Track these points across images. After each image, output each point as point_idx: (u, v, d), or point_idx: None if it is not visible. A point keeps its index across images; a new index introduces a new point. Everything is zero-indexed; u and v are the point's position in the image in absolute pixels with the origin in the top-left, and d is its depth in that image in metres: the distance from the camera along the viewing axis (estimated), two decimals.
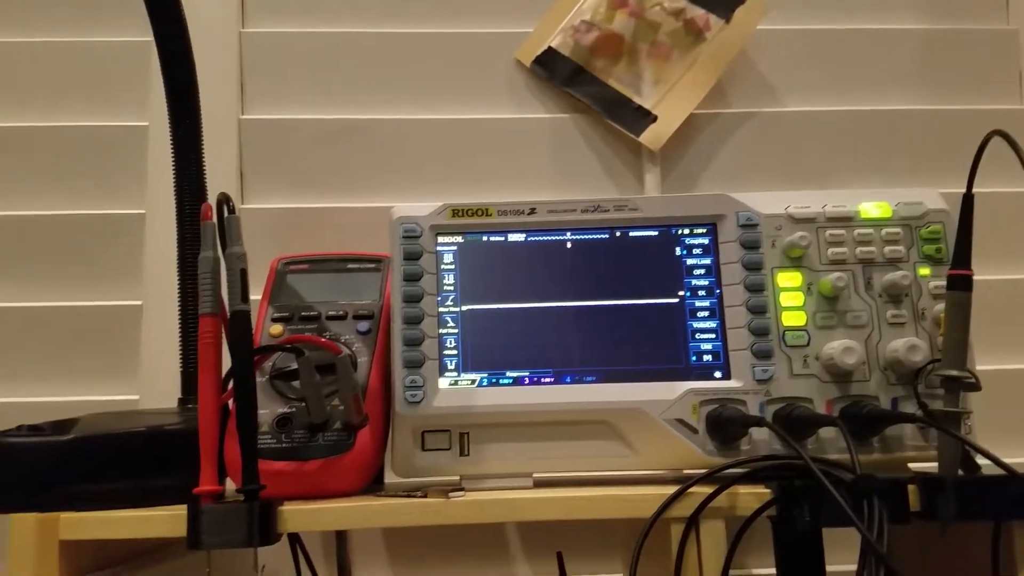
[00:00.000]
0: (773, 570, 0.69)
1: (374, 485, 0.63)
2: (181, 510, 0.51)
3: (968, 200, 0.53)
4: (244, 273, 0.52)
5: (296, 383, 0.59)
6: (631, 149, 0.95)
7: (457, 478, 0.61)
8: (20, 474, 0.54)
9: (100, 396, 0.87)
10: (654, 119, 0.93)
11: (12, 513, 0.52)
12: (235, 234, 0.53)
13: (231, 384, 0.55)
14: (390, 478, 0.66)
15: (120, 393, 0.88)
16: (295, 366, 0.59)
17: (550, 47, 0.96)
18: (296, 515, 0.52)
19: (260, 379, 0.60)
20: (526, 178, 0.94)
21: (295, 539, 0.74)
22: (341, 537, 0.80)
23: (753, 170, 0.95)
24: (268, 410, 0.59)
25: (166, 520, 0.52)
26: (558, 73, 0.95)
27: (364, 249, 0.72)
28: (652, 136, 0.93)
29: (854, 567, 0.74)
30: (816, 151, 0.96)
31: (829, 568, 0.66)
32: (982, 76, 1.00)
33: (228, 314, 0.53)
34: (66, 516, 0.52)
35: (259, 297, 0.67)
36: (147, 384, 0.87)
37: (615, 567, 0.87)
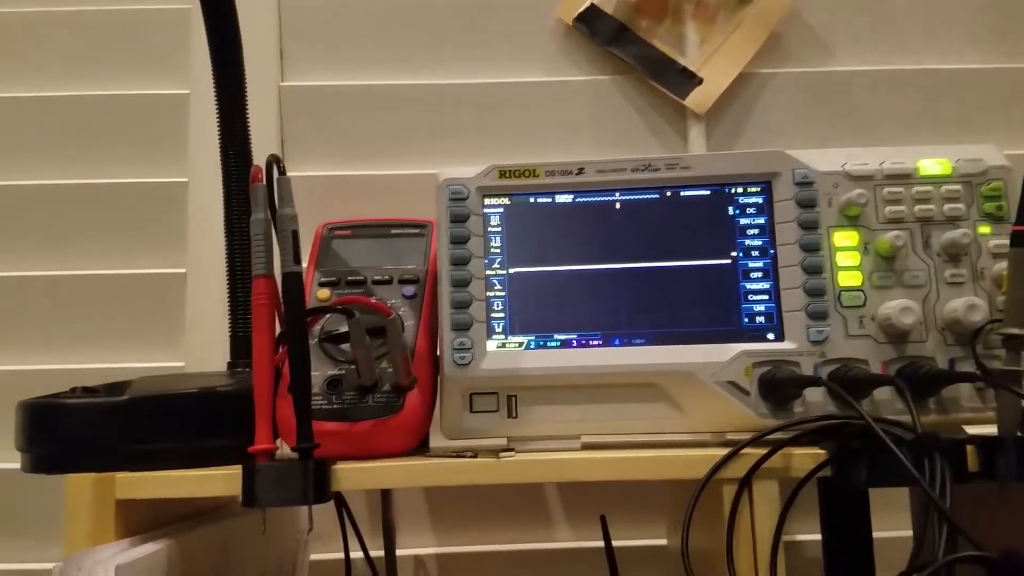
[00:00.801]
0: (818, 536, 0.69)
1: (420, 449, 0.64)
2: (236, 469, 0.51)
3: None
4: (296, 235, 0.52)
5: (345, 346, 0.60)
6: (676, 111, 0.93)
7: (504, 440, 0.61)
8: (76, 435, 0.55)
9: (146, 363, 0.88)
10: (699, 81, 0.92)
11: (69, 473, 0.53)
12: (286, 196, 0.52)
13: (281, 347, 0.56)
14: (437, 441, 0.66)
15: (166, 360, 0.89)
16: (344, 329, 0.60)
17: (592, 4, 0.94)
18: (348, 474, 0.53)
19: (311, 342, 0.61)
20: (569, 141, 0.93)
21: (341, 502, 0.75)
22: (386, 500, 0.80)
23: (803, 131, 0.92)
24: (319, 372, 0.59)
25: (221, 479, 0.53)
26: (600, 32, 0.94)
27: (407, 215, 0.72)
28: (697, 99, 0.91)
29: (899, 533, 0.74)
30: (869, 112, 0.93)
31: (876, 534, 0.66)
32: None
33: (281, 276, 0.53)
34: (122, 476, 0.53)
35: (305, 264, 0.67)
36: (192, 351, 0.88)
37: (658, 532, 0.88)
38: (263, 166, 0.54)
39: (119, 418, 0.55)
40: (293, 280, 0.52)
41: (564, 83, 0.94)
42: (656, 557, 0.86)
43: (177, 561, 0.54)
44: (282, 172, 0.53)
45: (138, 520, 0.55)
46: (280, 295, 0.53)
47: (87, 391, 0.57)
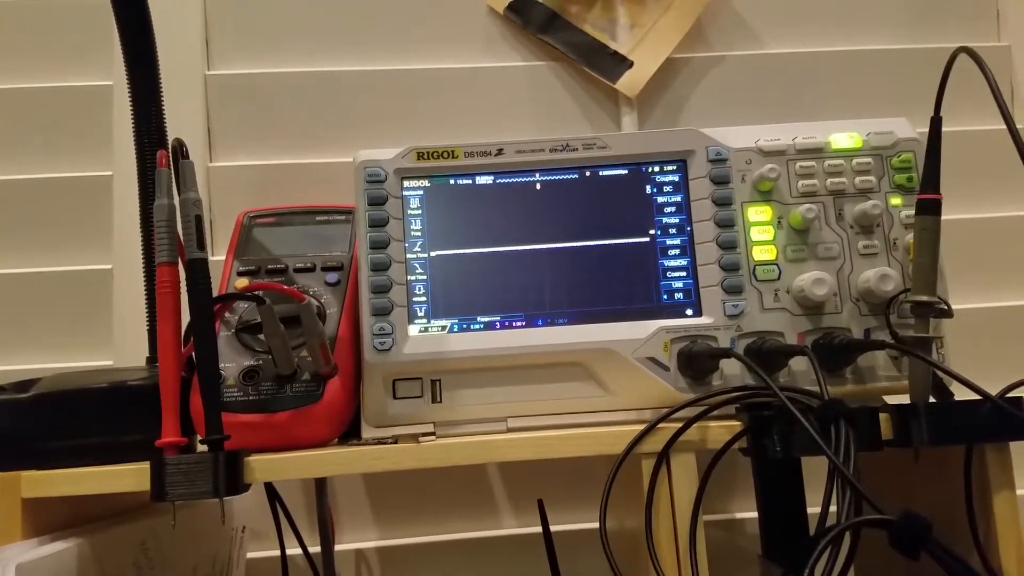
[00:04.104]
0: (756, 514, 0.69)
1: (350, 438, 0.63)
2: (147, 465, 0.50)
3: (936, 123, 0.52)
4: (200, 219, 0.51)
5: (262, 335, 0.59)
6: (608, 95, 0.94)
7: (431, 426, 0.61)
8: None
9: (73, 363, 0.86)
10: (630, 65, 0.92)
11: None
12: (190, 179, 0.51)
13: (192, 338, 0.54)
14: (367, 432, 0.65)
15: (95, 360, 0.87)
16: (260, 318, 0.58)
17: None
18: (263, 464, 0.52)
19: (226, 333, 0.59)
20: (502, 129, 0.92)
21: (274, 497, 0.74)
22: (320, 494, 0.79)
23: (732, 113, 0.93)
24: (234, 363, 0.58)
25: (131, 474, 0.51)
26: (532, 19, 0.93)
27: (337, 203, 0.71)
28: (629, 82, 0.91)
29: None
30: (796, 92, 0.94)
31: (811, 509, 0.67)
32: (958, 13, 0.98)
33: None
34: (28, 474, 0.52)
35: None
36: (121, 349, 0.86)
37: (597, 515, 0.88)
38: (168, 151, 0.53)
39: (25, 415, 0.54)
40: (197, 266, 0.50)
41: (496, 69, 0.93)
42: (598, 540, 0.86)
43: (91, 560, 0.52)
44: (185, 156, 0.52)
45: (51, 519, 0.54)
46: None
47: None
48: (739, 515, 0.88)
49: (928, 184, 0.52)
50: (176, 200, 0.52)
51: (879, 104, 0.95)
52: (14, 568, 0.45)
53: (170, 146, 0.53)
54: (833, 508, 0.44)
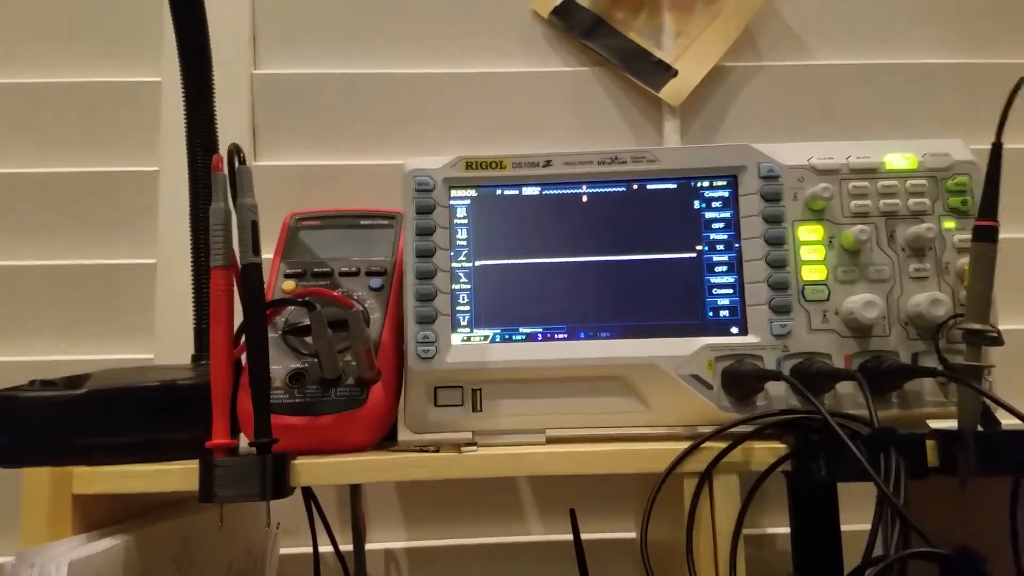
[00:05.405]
0: (788, 529, 0.69)
1: (387, 442, 0.63)
2: (194, 464, 0.51)
3: (997, 148, 0.51)
4: (255, 225, 0.51)
5: (309, 339, 0.59)
6: (651, 103, 0.93)
7: (470, 434, 0.61)
8: (33, 428, 0.54)
9: (115, 355, 0.88)
10: (675, 73, 0.91)
11: (26, 467, 0.52)
12: (246, 185, 0.52)
13: (243, 339, 0.55)
14: (404, 436, 0.66)
15: (135, 352, 0.88)
16: (308, 321, 0.59)
17: None
18: (308, 468, 0.52)
19: (273, 335, 0.60)
20: (543, 134, 0.92)
21: (309, 497, 0.75)
22: (355, 495, 0.80)
23: (777, 125, 0.92)
24: (281, 365, 0.59)
25: (179, 474, 0.52)
26: (576, 24, 0.93)
27: (381, 205, 0.71)
28: (672, 91, 0.91)
29: (869, 526, 0.75)
30: (843, 106, 0.93)
31: (844, 527, 0.66)
32: (1017, 28, 0.96)
33: (240, 267, 0.53)
34: (79, 470, 0.53)
35: (272, 255, 0.67)
36: (162, 343, 0.87)
37: (628, 526, 0.88)
38: (225, 155, 0.53)
39: (76, 411, 0.55)
40: (252, 271, 0.51)
41: (539, 74, 0.93)
42: (625, 550, 0.86)
43: (136, 556, 0.53)
44: (242, 161, 0.52)
45: (98, 515, 0.55)
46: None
47: (45, 384, 0.56)
48: (770, 530, 0.87)
49: (986, 210, 0.51)
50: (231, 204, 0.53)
51: (927, 120, 0.93)
52: (67, 565, 0.46)
53: (227, 150, 0.53)
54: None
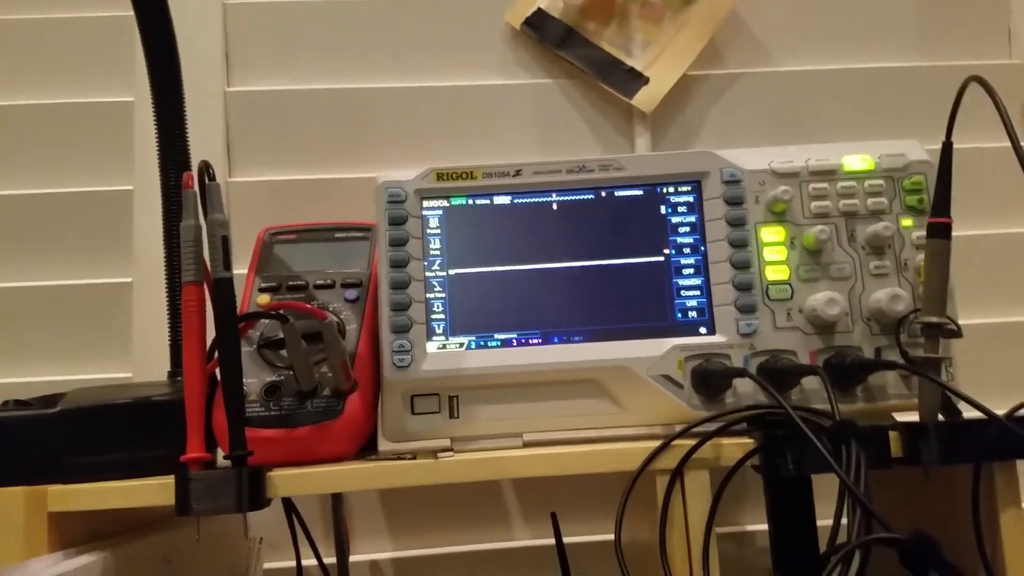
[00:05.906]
0: (766, 527, 0.70)
1: (367, 452, 0.64)
2: (170, 479, 0.51)
3: (947, 148, 0.53)
4: (226, 240, 0.52)
5: (284, 351, 0.60)
6: (622, 113, 0.95)
7: (447, 441, 0.62)
8: (7, 448, 0.55)
9: (94, 375, 0.88)
10: (646, 81, 0.93)
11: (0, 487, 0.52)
12: (216, 201, 0.53)
13: (216, 355, 0.56)
14: (384, 446, 0.66)
15: (114, 372, 0.88)
16: (282, 335, 0.60)
17: (540, 8, 0.95)
18: (285, 479, 0.53)
19: (248, 348, 0.60)
20: (516, 144, 0.94)
21: (290, 508, 0.75)
22: (337, 507, 0.80)
23: (745, 131, 0.94)
24: (256, 379, 0.59)
25: (155, 489, 0.52)
26: (548, 35, 0.95)
27: (356, 219, 0.72)
28: (644, 98, 0.93)
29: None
30: (808, 110, 0.95)
31: (821, 522, 0.67)
32: (971, 32, 0.99)
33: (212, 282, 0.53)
34: (54, 488, 0.53)
35: (247, 270, 0.68)
36: (140, 362, 0.87)
37: (610, 528, 0.88)
38: (195, 172, 0.54)
39: (50, 431, 0.55)
40: (223, 286, 0.52)
41: (512, 86, 0.95)
42: (609, 552, 0.87)
43: (114, 573, 0.53)
44: (212, 178, 0.53)
45: (76, 533, 0.55)
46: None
47: (19, 404, 0.57)
48: (749, 527, 0.89)
49: (939, 208, 0.53)
50: (202, 221, 0.54)
51: (890, 121, 0.96)
52: None
53: (197, 167, 0.54)
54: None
